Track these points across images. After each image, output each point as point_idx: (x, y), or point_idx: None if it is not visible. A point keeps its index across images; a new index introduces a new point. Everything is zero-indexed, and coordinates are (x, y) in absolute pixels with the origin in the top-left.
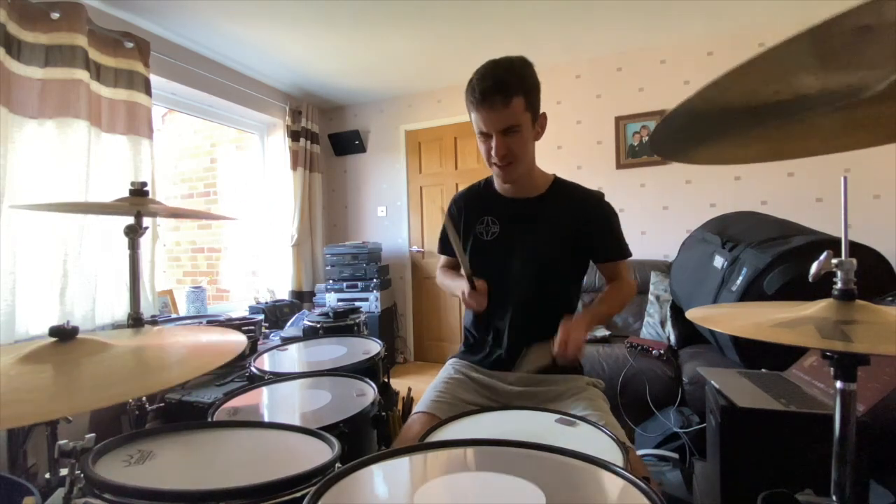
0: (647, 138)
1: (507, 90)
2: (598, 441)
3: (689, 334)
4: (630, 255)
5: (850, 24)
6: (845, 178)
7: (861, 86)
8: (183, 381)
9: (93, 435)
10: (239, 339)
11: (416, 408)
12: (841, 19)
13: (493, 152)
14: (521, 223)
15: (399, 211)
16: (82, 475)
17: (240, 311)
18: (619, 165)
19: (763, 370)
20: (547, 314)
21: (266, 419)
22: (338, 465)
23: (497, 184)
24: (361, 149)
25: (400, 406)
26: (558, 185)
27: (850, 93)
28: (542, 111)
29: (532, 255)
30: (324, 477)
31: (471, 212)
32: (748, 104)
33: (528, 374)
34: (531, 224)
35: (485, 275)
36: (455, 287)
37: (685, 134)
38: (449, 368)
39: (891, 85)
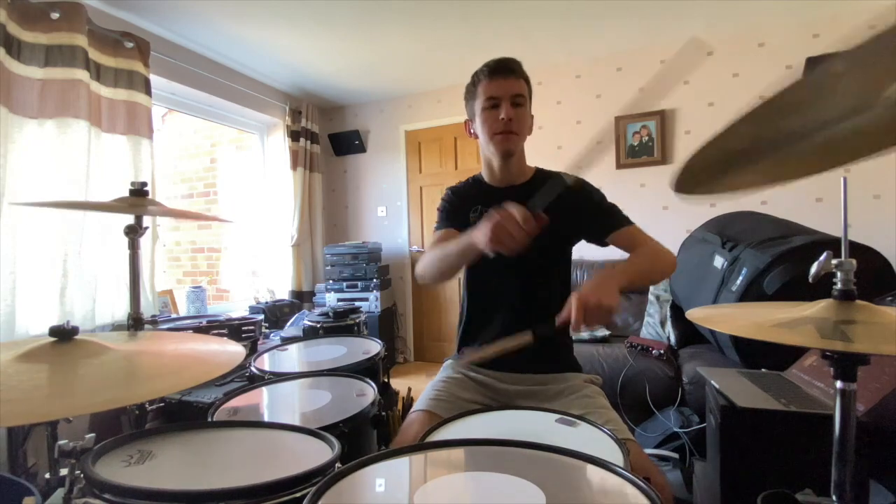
0: (647, 138)
1: (517, 68)
2: (598, 441)
3: (689, 334)
4: (631, 222)
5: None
6: (845, 179)
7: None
8: (176, 392)
9: (93, 435)
10: (237, 350)
11: (415, 406)
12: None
13: (502, 116)
14: None
15: (399, 211)
16: (82, 475)
17: (240, 311)
18: (619, 165)
19: (763, 370)
20: (543, 296)
21: (266, 419)
22: (338, 465)
23: (485, 174)
24: (361, 149)
25: (400, 406)
26: (541, 173)
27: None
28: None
29: None
30: (324, 477)
31: (464, 202)
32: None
33: (529, 376)
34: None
35: (481, 262)
36: (463, 241)
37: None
38: (447, 369)
39: None
